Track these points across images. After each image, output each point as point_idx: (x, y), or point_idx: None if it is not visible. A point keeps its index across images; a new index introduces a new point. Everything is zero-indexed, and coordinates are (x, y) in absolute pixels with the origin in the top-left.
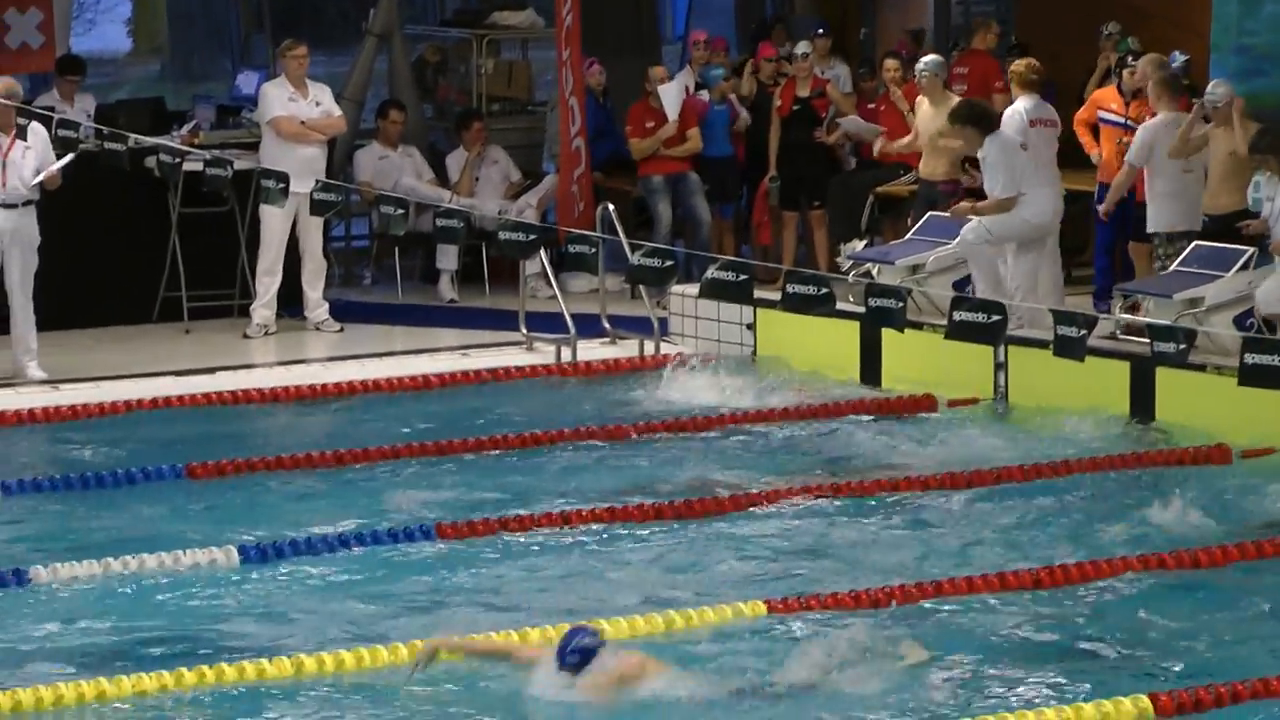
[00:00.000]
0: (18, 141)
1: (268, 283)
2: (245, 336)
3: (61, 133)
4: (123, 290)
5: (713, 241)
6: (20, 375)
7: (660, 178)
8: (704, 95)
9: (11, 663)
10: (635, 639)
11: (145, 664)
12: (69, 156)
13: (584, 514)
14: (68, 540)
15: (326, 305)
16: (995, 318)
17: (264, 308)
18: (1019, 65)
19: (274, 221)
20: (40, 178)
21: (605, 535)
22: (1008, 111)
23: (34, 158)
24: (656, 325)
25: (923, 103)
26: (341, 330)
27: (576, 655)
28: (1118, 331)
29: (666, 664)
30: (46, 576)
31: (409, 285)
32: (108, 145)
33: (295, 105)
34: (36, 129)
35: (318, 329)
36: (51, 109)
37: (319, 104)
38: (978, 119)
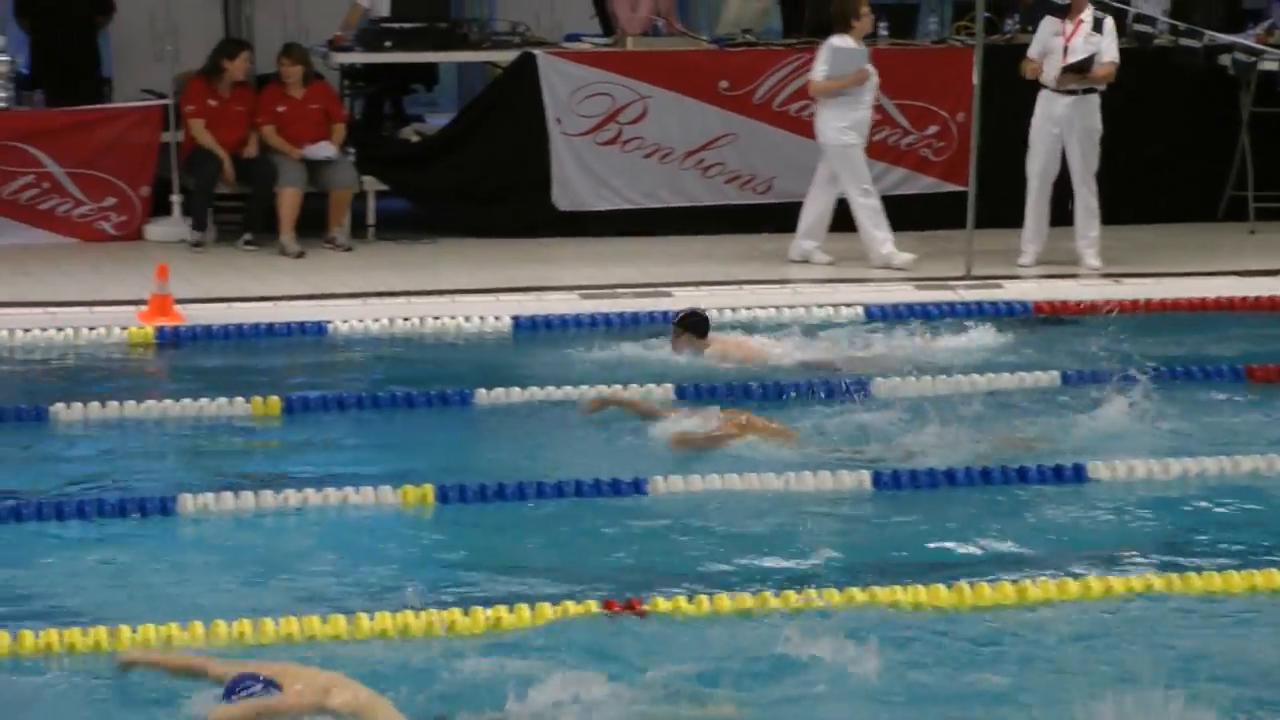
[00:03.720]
0: (1082, 26)
1: None
2: None
3: (1137, 27)
4: (1188, 187)
5: None
6: (1080, 263)
7: None
8: None
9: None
10: None
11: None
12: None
13: None
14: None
15: None
16: None
17: None
18: None
19: None
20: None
21: None
22: None
23: (1088, 45)
24: None
25: None
26: None
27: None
28: None
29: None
30: None
31: None
32: (1182, 42)
33: None
34: (1109, 24)
35: None
36: (1127, 2)
37: None
38: None
